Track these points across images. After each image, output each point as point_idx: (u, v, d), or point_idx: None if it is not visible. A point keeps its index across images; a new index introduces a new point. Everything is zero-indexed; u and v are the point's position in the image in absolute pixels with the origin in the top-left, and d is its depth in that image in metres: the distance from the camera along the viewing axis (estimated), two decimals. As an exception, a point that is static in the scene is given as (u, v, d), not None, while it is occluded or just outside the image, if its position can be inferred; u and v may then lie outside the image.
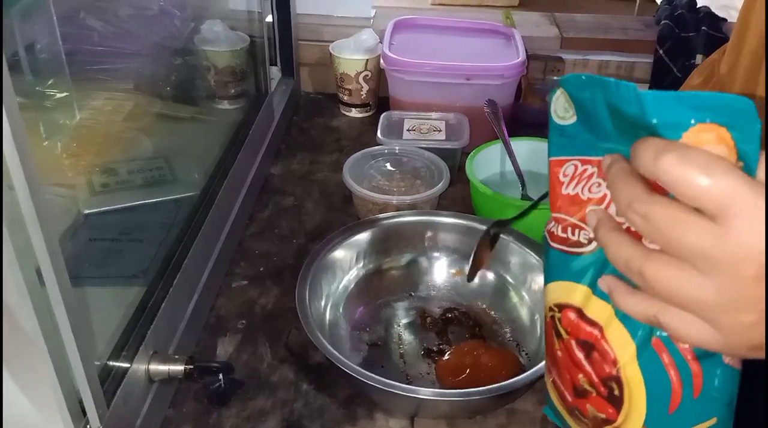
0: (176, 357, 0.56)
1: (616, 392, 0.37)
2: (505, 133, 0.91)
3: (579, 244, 0.37)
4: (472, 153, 0.89)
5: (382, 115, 1.02)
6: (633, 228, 0.33)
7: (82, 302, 0.47)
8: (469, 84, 1.02)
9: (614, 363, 0.37)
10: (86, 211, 0.77)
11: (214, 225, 0.80)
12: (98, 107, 0.94)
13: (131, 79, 0.97)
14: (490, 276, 0.75)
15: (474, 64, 1.01)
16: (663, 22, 1.17)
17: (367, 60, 1.11)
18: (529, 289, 0.71)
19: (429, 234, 0.78)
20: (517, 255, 0.73)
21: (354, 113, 1.16)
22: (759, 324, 0.31)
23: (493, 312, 0.73)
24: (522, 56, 1.03)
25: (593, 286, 0.37)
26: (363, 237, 0.76)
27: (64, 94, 0.87)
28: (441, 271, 0.77)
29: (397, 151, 0.93)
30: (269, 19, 1.15)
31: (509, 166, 0.91)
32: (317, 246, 0.72)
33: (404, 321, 0.72)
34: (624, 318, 0.36)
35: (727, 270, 0.30)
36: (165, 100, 1.00)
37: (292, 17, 1.16)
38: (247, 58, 1.08)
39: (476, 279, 0.68)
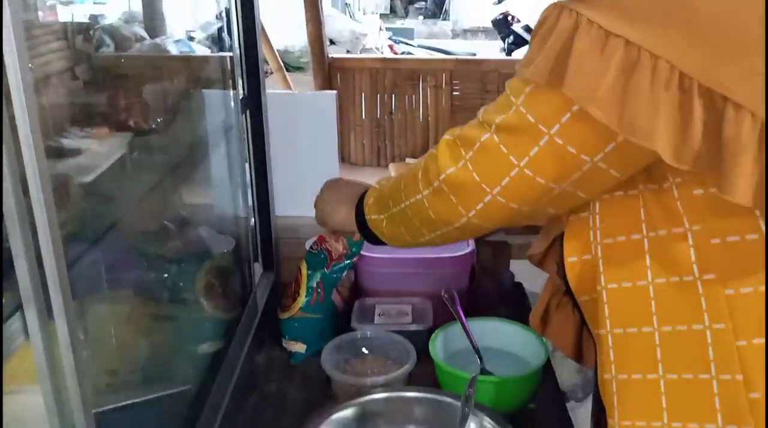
0: None
1: None
2: (461, 314, 1.05)
3: None
4: (434, 334, 1.02)
5: (356, 303, 1.16)
6: None
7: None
8: (427, 273, 1.17)
9: None
10: (94, 411, 0.86)
11: (208, 417, 0.89)
12: (99, 314, 1.06)
13: (130, 287, 1.10)
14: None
15: (430, 255, 1.18)
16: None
17: (339, 254, 1.27)
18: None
19: (401, 409, 0.88)
20: (473, 421, 0.83)
21: (329, 300, 1.29)
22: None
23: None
24: (471, 246, 1.20)
25: None
26: (343, 415, 0.86)
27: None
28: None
29: (369, 335, 1.06)
30: (252, 222, 1.32)
31: (468, 343, 1.03)
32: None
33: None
34: None
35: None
36: (159, 303, 1.12)
37: (271, 219, 1.34)
38: (234, 258, 1.23)
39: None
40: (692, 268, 0.59)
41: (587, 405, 1.66)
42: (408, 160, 4.19)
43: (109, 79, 1.07)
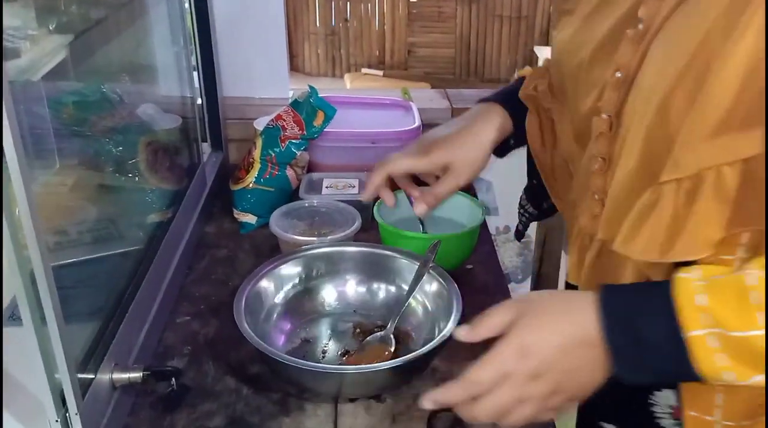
0: (134, 366, 0.67)
1: None
2: (406, 183, 1.08)
3: None
4: (379, 201, 1.05)
5: (304, 177, 1.18)
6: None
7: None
8: (374, 147, 1.20)
9: None
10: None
11: (157, 274, 0.92)
12: (45, 181, 1.06)
13: (75, 156, 1.10)
14: (392, 289, 0.91)
15: (377, 130, 1.20)
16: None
17: (287, 132, 1.27)
18: (423, 292, 0.88)
19: (343, 262, 0.92)
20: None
21: (278, 179, 1.31)
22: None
23: (413, 333, 0.87)
24: (417, 122, 1.22)
25: None
26: (288, 269, 0.90)
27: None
28: (355, 291, 0.92)
29: (316, 204, 1.09)
30: (199, 101, 1.31)
31: (412, 212, 1.08)
32: (252, 272, 0.85)
33: (339, 330, 0.87)
34: None
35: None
36: (106, 174, 1.12)
37: (219, 100, 1.33)
38: (181, 136, 1.23)
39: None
40: None
41: (526, 287, 1.77)
42: (364, 71, 4.11)
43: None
